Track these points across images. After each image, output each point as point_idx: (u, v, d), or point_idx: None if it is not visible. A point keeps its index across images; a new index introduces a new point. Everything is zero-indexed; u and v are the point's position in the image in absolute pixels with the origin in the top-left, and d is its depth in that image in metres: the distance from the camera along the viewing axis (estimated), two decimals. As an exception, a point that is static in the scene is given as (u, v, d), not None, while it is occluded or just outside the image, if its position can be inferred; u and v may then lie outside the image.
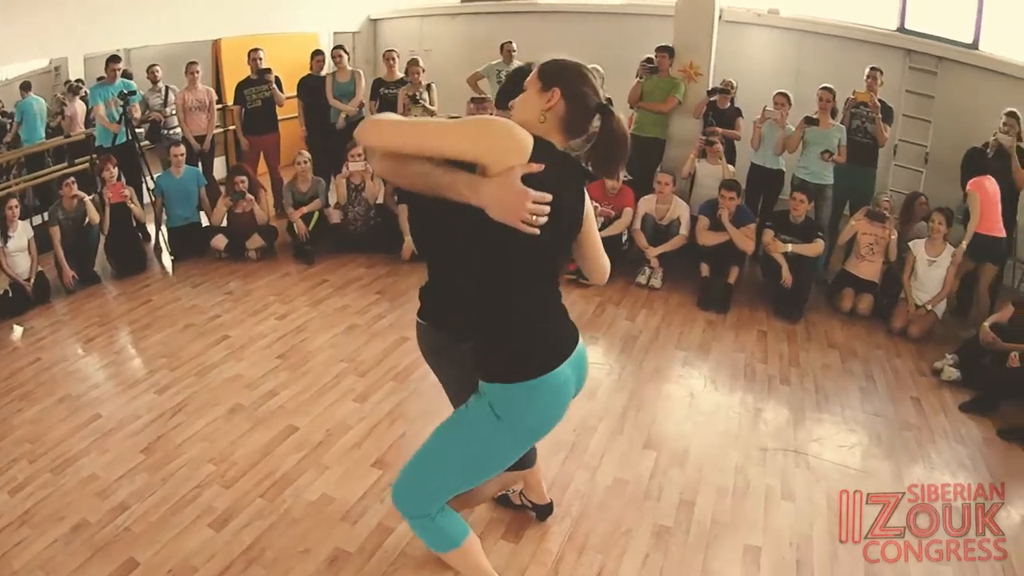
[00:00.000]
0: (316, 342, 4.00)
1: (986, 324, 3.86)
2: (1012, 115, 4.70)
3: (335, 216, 5.28)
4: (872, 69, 5.12)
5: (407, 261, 5.08)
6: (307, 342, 4.01)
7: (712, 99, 5.45)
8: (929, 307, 4.48)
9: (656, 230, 5.04)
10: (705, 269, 4.86)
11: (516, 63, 5.92)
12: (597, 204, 4.94)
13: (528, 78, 1.69)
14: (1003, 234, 4.54)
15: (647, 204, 5.06)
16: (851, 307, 4.70)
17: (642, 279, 4.96)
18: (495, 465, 1.82)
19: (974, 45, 6.00)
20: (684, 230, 4.98)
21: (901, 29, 6.23)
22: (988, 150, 4.74)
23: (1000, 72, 5.76)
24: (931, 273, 4.51)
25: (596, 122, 1.67)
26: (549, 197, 1.53)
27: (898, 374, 4.02)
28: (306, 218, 5.24)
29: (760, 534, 2.60)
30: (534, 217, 1.51)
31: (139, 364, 3.82)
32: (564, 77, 1.64)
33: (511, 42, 6.19)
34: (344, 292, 4.68)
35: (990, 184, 4.48)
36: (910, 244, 4.62)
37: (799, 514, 2.72)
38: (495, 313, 1.69)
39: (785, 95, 5.16)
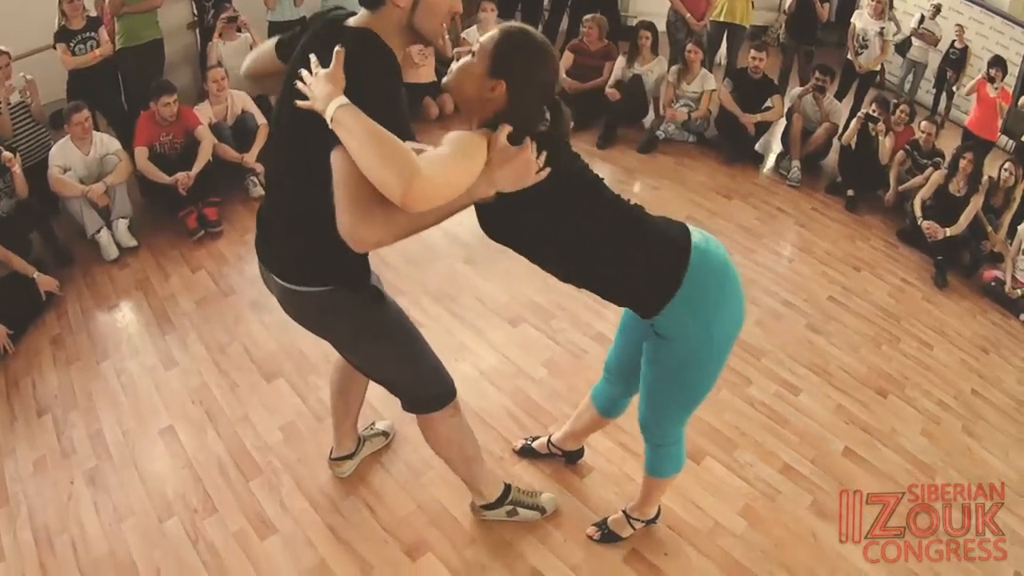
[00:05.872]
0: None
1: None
2: None
3: None
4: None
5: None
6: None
7: None
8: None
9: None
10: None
11: None
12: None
13: (480, 46, 1.45)
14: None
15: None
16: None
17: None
18: (708, 382, 1.77)
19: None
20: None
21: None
22: None
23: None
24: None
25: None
26: (527, 139, 1.43)
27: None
28: None
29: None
30: (539, 163, 1.44)
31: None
32: (514, 70, 1.43)
33: None
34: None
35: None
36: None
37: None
38: (635, 239, 1.58)
39: None
